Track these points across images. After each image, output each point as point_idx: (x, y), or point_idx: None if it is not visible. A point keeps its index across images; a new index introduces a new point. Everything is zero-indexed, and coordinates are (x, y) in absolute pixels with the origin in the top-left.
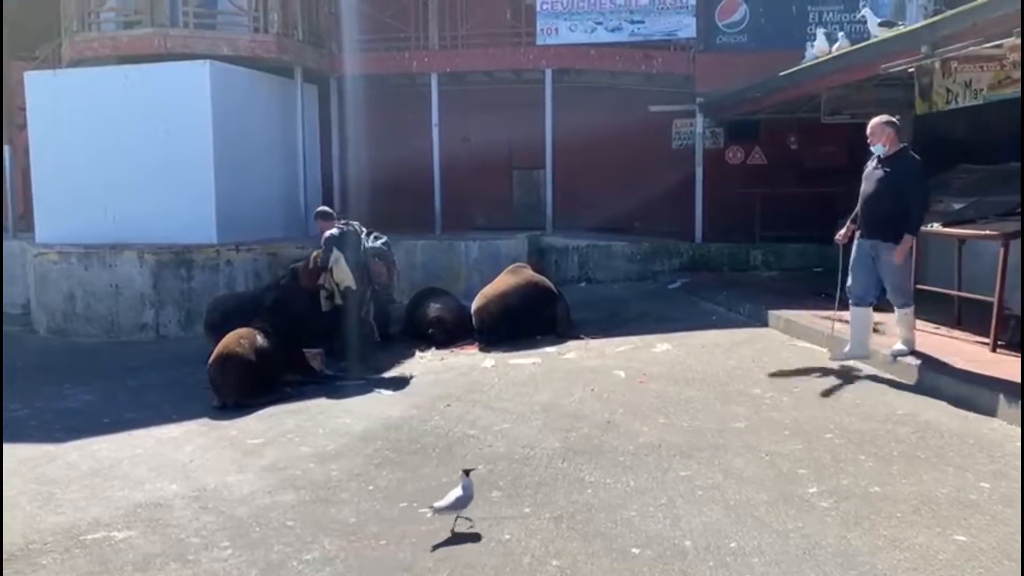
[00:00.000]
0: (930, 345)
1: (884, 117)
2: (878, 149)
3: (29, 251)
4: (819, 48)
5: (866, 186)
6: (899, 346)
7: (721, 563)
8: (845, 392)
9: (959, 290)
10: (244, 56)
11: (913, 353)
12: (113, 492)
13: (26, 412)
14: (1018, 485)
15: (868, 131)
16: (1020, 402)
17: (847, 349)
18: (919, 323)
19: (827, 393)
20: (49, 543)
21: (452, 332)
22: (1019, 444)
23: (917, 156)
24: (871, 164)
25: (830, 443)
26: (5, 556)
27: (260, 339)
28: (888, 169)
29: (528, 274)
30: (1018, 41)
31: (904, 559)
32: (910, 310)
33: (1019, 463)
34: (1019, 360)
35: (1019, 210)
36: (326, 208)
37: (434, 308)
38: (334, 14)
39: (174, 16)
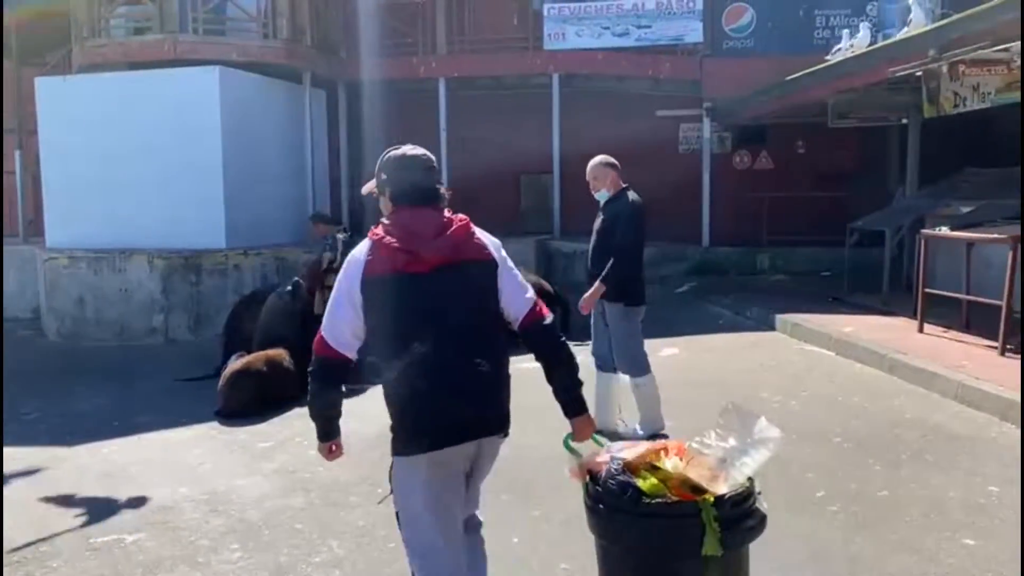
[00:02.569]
0: (939, 348)
1: (604, 158)
2: (601, 196)
3: (39, 256)
4: (860, 41)
5: (592, 239)
6: (635, 426)
7: None
8: (853, 396)
9: (968, 293)
10: (253, 62)
11: (656, 436)
12: (123, 495)
13: (36, 415)
14: None
15: (589, 175)
16: (1020, 403)
17: (637, 426)
18: (927, 327)
19: (835, 397)
20: (60, 545)
21: None
22: None
23: (636, 197)
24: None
25: (838, 447)
26: (17, 559)
27: (286, 363)
28: (604, 216)
29: (534, 277)
30: None
31: (913, 563)
32: (644, 380)
33: None
34: None
35: None
36: (323, 212)
37: None
38: (343, 20)
39: (183, 22)
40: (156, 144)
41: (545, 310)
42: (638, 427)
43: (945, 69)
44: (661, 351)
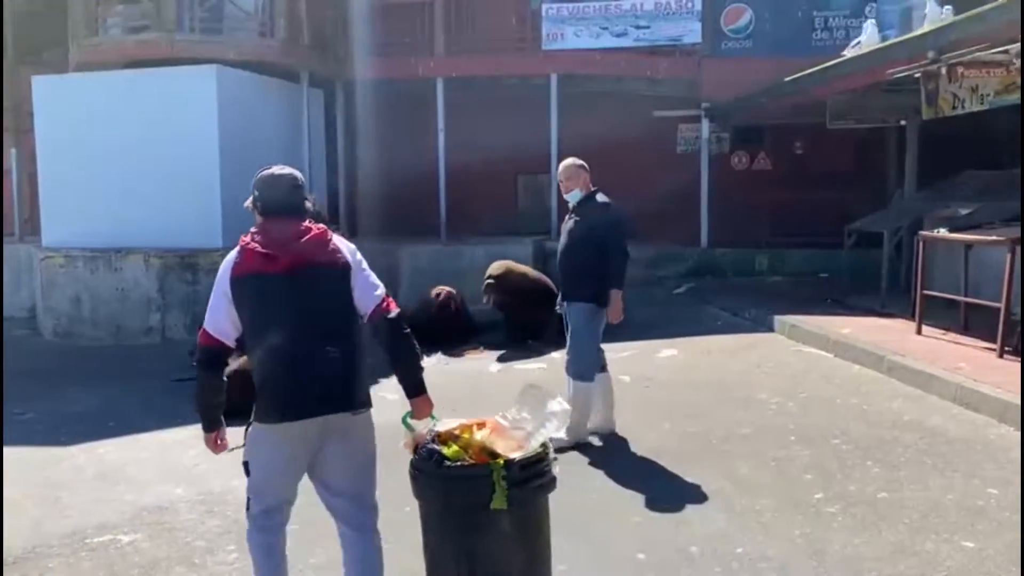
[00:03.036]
0: (937, 350)
1: (576, 160)
2: (574, 196)
3: (36, 255)
4: (869, 39)
5: (560, 240)
6: (560, 434)
7: (727, 569)
8: (851, 398)
9: (966, 295)
10: (250, 61)
11: (577, 448)
12: (119, 495)
13: (32, 415)
14: None
15: (562, 176)
16: (1020, 405)
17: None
18: (925, 329)
19: (833, 399)
20: (55, 546)
21: (458, 311)
22: None
23: (608, 199)
24: (568, 217)
25: (836, 449)
26: (12, 560)
27: None
28: (579, 217)
29: (535, 274)
30: None
31: (911, 565)
32: (585, 387)
33: None
34: None
35: None
36: (318, 211)
37: (434, 289)
38: (340, 20)
39: (181, 21)
40: (153, 143)
41: (391, 305)
42: (562, 433)
43: (944, 71)
44: (659, 352)
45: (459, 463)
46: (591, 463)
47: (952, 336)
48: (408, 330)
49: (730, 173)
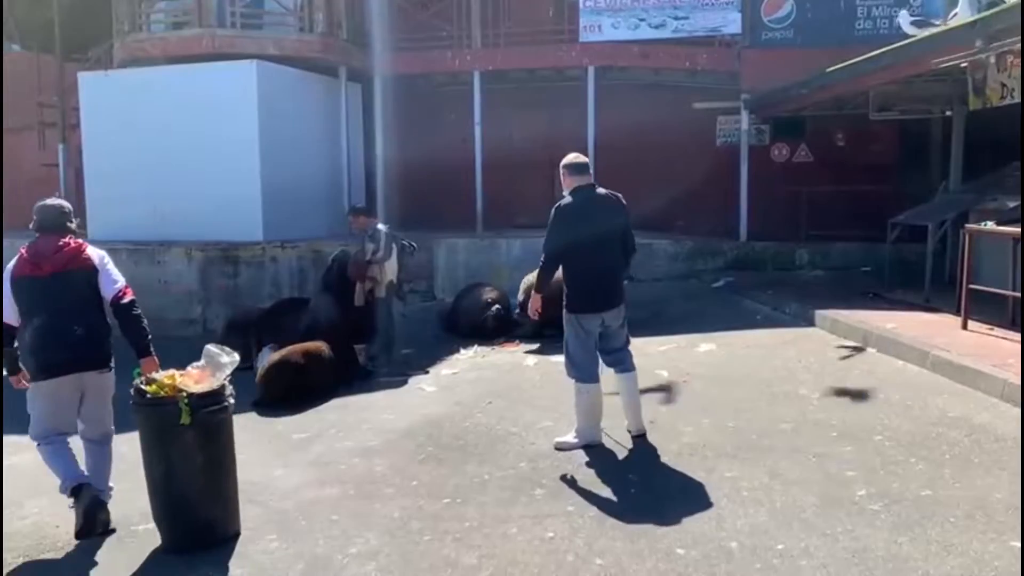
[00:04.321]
0: (985, 346)
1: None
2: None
3: None
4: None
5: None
6: (565, 437)
7: (768, 565)
8: (895, 394)
9: (1014, 290)
10: (290, 56)
11: (586, 447)
12: None
13: None
14: None
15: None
16: (1020, 403)
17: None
18: (971, 324)
19: (876, 394)
20: (102, 533)
21: (504, 318)
22: None
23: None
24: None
25: (879, 445)
26: (60, 544)
27: (324, 354)
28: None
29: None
30: None
31: (957, 565)
32: (581, 388)
33: None
34: None
35: None
36: (362, 205)
37: (487, 292)
38: (378, 14)
39: (222, 17)
40: (195, 137)
41: (127, 293)
42: (569, 437)
43: (992, 60)
44: (698, 347)
45: (159, 395)
46: (629, 458)
47: (999, 331)
48: (137, 311)
49: (770, 165)
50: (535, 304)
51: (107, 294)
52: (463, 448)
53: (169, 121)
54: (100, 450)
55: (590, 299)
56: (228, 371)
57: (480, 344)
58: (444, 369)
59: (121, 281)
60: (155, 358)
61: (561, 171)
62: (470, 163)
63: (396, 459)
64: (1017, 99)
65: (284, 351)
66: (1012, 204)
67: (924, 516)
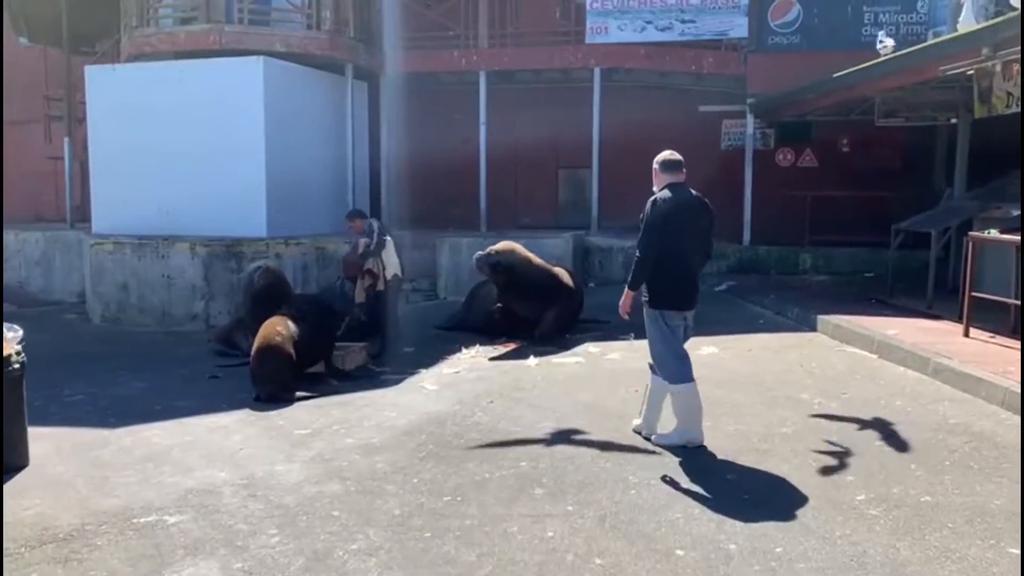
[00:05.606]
0: (986, 354)
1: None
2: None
3: (86, 241)
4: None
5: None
6: (666, 431)
7: (767, 568)
8: (896, 400)
9: (1016, 298)
10: (297, 53)
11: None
12: (164, 477)
13: (81, 398)
14: None
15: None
16: (1021, 411)
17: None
18: (973, 331)
19: (877, 400)
20: (104, 525)
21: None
22: None
23: (656, 195)
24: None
25: (879, 451)
26: (61, 535)
27: (292, 326)
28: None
29: (554, 264)
30: None
31: (956, 571)
32: (677, 391)
33: None
34: None
35: None
36: (360, 209)
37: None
38: (385, 12)
39: (229, 13)
40: (201, 133)
41: None
42: (674, 435)
43: (998, 68)
44: (700, 350)
45: None
46: (630, 460)
47: (1001, 339)
48: None
49: (775, 170)
50: (626, 303)
51: None
52: (464, 447)
53: (175, 116)
54: None
55: (678, 297)
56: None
57: (482, 344)
58: (446, 368)
59: None
60: None
61: (654, 167)
62: (475, 162)
63: (398, 456)
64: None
65: (259, 337)
66: (1016, 212)
67: (923, 522)
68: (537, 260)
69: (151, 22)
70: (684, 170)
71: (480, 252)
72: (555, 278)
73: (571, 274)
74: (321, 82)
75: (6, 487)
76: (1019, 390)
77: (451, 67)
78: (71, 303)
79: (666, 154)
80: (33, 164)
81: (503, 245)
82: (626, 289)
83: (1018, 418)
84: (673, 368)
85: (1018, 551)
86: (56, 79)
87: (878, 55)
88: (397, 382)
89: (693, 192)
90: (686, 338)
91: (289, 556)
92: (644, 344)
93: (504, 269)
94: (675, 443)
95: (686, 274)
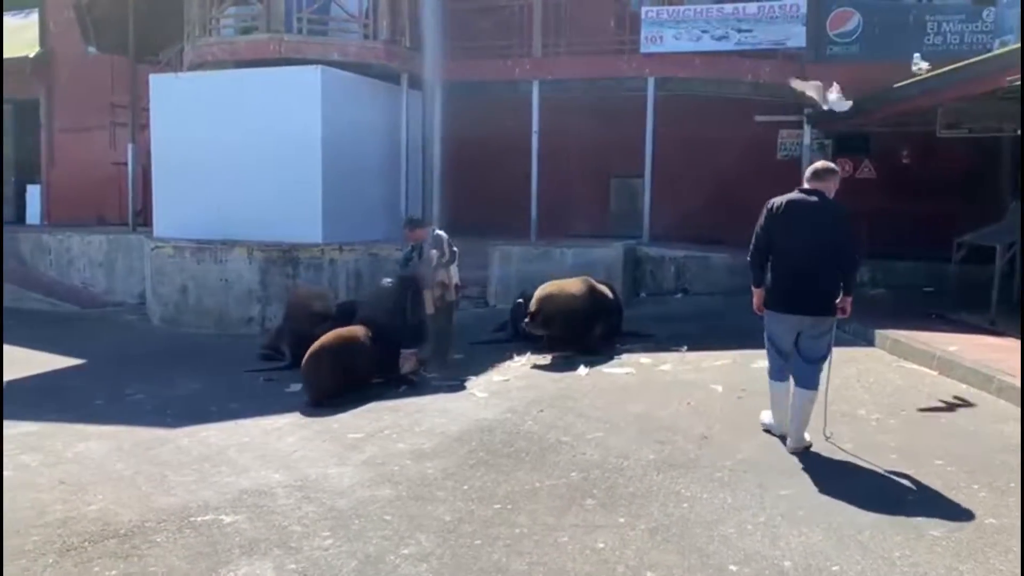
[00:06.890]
0: None
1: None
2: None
3: (147, 244)
4: None
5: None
6: (768, 411)
7: None
8: (958, 418)
9: None
10: (353, 62)
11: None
12: (221, 478)
13: (141, 397)
14: None
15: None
16: (1020, 405)
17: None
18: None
19: (938, 417)
20: (163, 522)
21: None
22: None
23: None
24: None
25: (941, 470)
26: (122, 532)
27: (361, 337)
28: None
29: (590, 283)
30: None
31: None
32: (770, 383)
33: None
34: None
35: None
36: (416, 216)
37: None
38: (439, 22)
39: (289, 22)
40: (259, 140)
41: None
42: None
43: None
44: (755, 363)
45: None
46: (683, 472)
47: None
48: None
49: None
50: (755, 300)
51: None
52: (514, 455)
53: (235, 123)
54: None
55: (781, 297)
56: None
57: (532, 352)
58: (495, 375)
59: None
60: None
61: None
62: (526, 171)
63: (448, 463)
64: None
65: (319, 341)
66: None
67: (987, 544)
68: (575, 288)
69: (213, 32)
70: (825, 178)
71: (520, 303)
72: (597, 301)
73: (610, 287)
74: (376, 91)
75: (71, 482)
76: None
77: (504, 75)
78: (132, 304)
79: (817, 163)
80: (98, 169)
81: (541, 293)
82: (753, 288)
83: None
84: (769, 361)
85: None
86: (122, 87)
87: (941, 65)
88: (447, 389)
89: (817, 197)
90: (814, 351)
91: (342, 559)
92: (696, 356)
93: (544, 323)
94: (769, 426)
95: (797, 276)
